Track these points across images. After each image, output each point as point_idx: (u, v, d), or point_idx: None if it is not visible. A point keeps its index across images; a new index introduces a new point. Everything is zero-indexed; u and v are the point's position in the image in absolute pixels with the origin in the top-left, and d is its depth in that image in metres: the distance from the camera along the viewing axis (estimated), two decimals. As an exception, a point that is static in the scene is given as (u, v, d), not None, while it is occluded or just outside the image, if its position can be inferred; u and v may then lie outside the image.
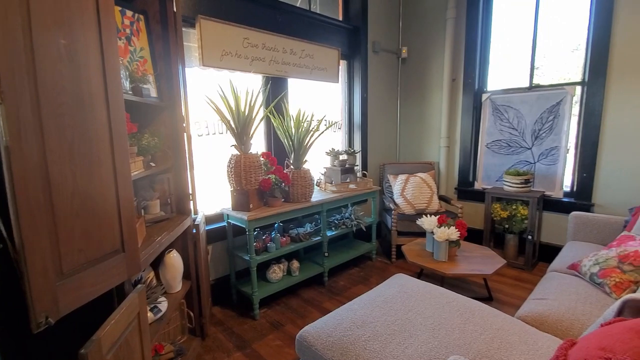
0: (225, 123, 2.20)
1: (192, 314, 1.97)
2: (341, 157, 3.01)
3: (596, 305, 1.55)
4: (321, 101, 3.32)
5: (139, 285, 1.24)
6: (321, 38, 3.10)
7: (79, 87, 0.94)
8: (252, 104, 2.20)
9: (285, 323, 2.24)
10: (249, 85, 2.32)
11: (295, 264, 2.59)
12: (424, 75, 3.79)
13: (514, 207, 3.01)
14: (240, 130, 2.22)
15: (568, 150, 2.99)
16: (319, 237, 2.69)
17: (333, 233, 2.84)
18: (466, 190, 3.59)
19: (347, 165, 3.00)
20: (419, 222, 2.56)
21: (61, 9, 0.88)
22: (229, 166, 2.25)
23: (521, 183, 2.95)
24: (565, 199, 2.98)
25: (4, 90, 0.72)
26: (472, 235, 3.35)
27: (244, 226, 2.23)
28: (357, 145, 3.60)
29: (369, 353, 1.30)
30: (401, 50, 3.83)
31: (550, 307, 1.59)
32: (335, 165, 2.97)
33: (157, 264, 1.80)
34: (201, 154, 2.44)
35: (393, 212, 3.11)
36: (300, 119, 2.46)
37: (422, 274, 2.78)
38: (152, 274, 1.75)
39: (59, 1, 0.87)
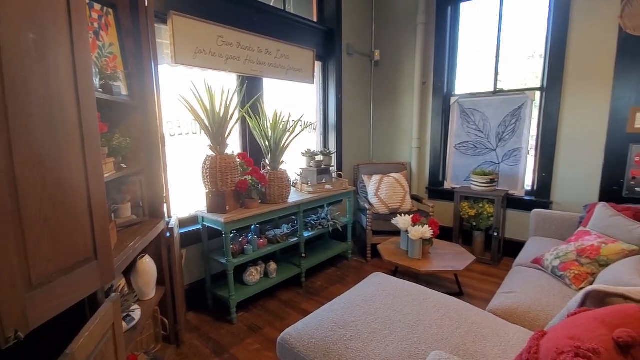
0: (200, 123, 2.14)
1: (166, 321, 1.90)
2: (317, 158, 3.02)
3: (559, 296, 1.67)
4: (297, 102, 3.32)
5: (113, 294, 1.18)
6: (296, 39, 3.09)
7: (49, 84, 0.88)
8: (227, 104, 2.15)
9: (263, 326, 2.22)
10: (224, 84, 2.27)
11: (273, 265, 2.57)
12: (396, 78, 3.89)
13: (480, 205, 3.16)
14: (216, 131, 2.16)
15: (529, 151, 3.19)
16: (296, 238, 2.68)
17: (310, 234, 2.85)
18: (436, 189, 3.72)
19: (323, 166, 3.01)
20: (394, 221, 2.63)
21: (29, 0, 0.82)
22: (204, 167, 2.19)
23: (487, 183, 3.11)
24: (527, 198, 3.18)
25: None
26: (443, 233, 3.46)
27: (220, 229, 2.18)
28: (332, 146, 3.63)
29: (352, 352, 1.32)
30: (374, 53, 3.90)
31: (517, 300, 1.69)
32: (311, 166, 2.98)
33: (128, 270, 1.71)
34: (174, 155, 2.35)
35: (368, 211, 3.17)
36: (277, 119, 2.45)
37: (397, 271, 2.85)
38: (123, 281, 1.67)
39: (26, -8, 0.81)
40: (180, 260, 2.20)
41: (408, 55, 3.75)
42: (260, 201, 2.46)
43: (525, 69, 3.24)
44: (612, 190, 2.69)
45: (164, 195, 1.91)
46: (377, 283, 1.84)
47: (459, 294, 2.59)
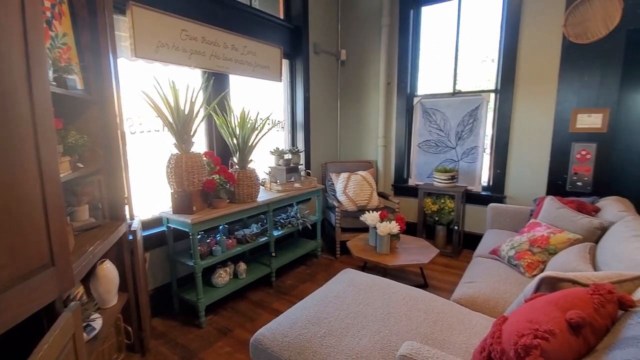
0: (163, 120, 2.04)
1: (130, 328, 1.80)
2: (286, 157, 3.01)
3: (515, 284, 1.80)
4: (264, 100, 3.28)
5: (73, 303, 1.10)
6: (263, 35, 3.05)
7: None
8: (193, 101, 2.08)
9: (234, 328, 2.17)
10: (189, 81, 2.19)
11: (242, 266, 2.53)
12: (362, 78, 3.97)
13: (442, 201, 3.32)
14: (181, 128, 2.08)
15: (485, 149, 3.39)
16: (266, 238, 2.66)
17: (280, 233, 2.83)
18: (402, 186, 3.86)
19: (291, 165, 3.00)
20: (362, 218, 2.69)
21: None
22: (168, 166, 2.10)
23: (448, 179, 3.27)
24: (484, 193, 3.39)
25: None
26: (408, 228, 3.60)
27: (186, 230, 2.10)
28: (301, 145, 3.63)
29: (326, 349, 1.33)
30: (341, 52, 3.95)
31: (478, 289, 1.81)
32: (280, 165, 2.96)
33: (87, 277, 1.61)
34: (136, 154, 2.23)
35: (337, 209, 3.21)
36: (245, 117, 2.40)
37: (365, 267, 2.92)
38: (81, 289, 1.56)
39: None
40: (144, 264, 2.09)
41: (373, 55, 3.83)
42: (228, 201, 2.40)
43: (481, 72, 3.44)
44: (557, 185, 2.95)
45: (125, 196, 1.81)
46: (348, 279, 1.88)
47: (424, 285, 2.70)
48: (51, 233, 0.98)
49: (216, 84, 2.65)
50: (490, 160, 3.38)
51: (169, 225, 2.24)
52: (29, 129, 0.91)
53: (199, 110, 2.14)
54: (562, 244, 1.90)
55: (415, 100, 3.67)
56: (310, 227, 3.07)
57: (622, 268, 1.38)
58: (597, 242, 1.87)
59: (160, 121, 2.27)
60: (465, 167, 3.47)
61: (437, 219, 3.38)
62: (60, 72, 1.31)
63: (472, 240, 3.38)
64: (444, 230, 3.40)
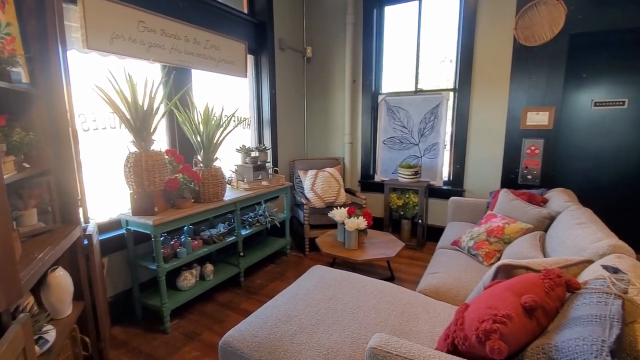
0: (120, 117, 1.93)
1: (87, 339, 1.69)
2: (252, 154, 2.96)
3: (475, 273, 1.91)
4: (229, 96, 3.19)
5: (21, 315, 1.02)
6: (227, 30, 2.96)
7: None
8: (152, 96, 1.98)
9: (201, 332, 2.11)
10: (148, 75, 2.08)
11: (209, 267, 2.46)
12: (328, 76, 3.99)
13: (407, 196, 3.44)
14: (139, 125, 1.98)
15: (445, 146, 3.55)
16: (234, 237, 2.60)
17: (248, 231, 2.79)
18: (368, 182, 3.94)
19: (258, 162, 2.96)
20: (331, 214, 2.71)
21: None
22: (126, 165, 1.99)
23: (412, 175, 3.39)
24: (445, 187, 3.55)
25: None
26: (375, 223, 3.69)
27: (148, 232, 2.00)
28: (267, 142, 3.59)
29: (297, 346, 1.34)
30: (306, 49, 3.94)
31: (442, 279, 1.89)
32: (247, 163, 2.91)
33: (37, 286, 1.48)
34: (90, 153, 2.09)
35: (305, 206, 3.22)
36: (209, 114, 2.33)
37: (334, 262, 2.96)
38: (31, 299, 1.44)
39: None
40: (102, 270, 1.97)
41: (339, 53, 3.86)
42: (193, 200, 2.32)
43: (441, 72, 3.59)
44: (511, 178, 3.15)
45: (79, 198, 1.69)
46: (318, 275, 1.89)
47: (391, 278, 2.79)
48: (-6, 241, 0.90)
49: (178, 78, 2.55)
50: (450, 156, 3.55)
51: (128, 227, 2.12)
52: (-35, 127, 0.82)
53: (159, 106, 2.04)
54: (515, 233, 2.04)
55: (380, 98, 3.75)
56: (278, 225, 3.05)
57: (568, 254, 1.51)
58: (546, 230, 2.03)
59: (117, 118, 2.14)
60: (427, 162, 3.61)
61: (402, 213, 3.49)
62: (3, 65, 1.19)
63: (435, 233, 3.53)
64: (409, 224, 3.52)
